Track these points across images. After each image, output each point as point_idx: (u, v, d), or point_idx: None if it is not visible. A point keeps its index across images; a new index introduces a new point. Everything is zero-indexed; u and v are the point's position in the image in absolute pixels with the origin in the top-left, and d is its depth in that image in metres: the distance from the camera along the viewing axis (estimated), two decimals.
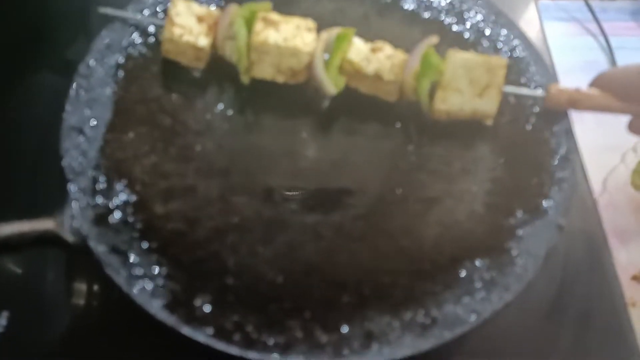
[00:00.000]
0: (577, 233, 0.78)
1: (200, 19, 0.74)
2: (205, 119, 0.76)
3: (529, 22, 1.03)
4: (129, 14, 0.78)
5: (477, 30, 0.82)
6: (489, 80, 0.71)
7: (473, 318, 0.60)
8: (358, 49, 0.74)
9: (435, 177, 0.73)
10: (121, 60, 0.77)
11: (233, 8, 0.74)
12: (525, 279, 0.63)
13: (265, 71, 0.74)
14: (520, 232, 0.66)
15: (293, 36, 0.72)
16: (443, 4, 0.85)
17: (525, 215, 0.68)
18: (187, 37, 0.73)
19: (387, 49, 0.74)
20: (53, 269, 0.75)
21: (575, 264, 0.76)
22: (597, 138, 0.99)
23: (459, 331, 0.59)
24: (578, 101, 0.71)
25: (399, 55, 0.74)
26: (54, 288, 0.74)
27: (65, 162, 0.67)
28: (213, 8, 0.76)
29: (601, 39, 1.19)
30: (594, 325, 0.72)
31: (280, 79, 0.75)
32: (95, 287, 0.73)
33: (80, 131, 0.71)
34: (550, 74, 0.78)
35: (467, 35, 0.82)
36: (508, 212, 0.68)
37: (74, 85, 0.73)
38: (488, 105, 0.72)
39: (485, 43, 0.81)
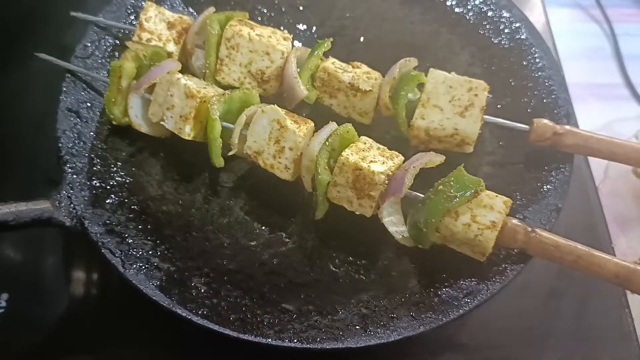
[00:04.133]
0: (578, 219, 0.77)
1: (170, 25, 0.73)
2: None
3: (532, 7, 1.02)
4: (100, 19, 0.76)
5: (479, 12, 0.80)
6: (470, 101, 0.67)
7: (468, 301, 0.60)
8: (335, 62, 0.71)
9: None
10: (117, 42, 0.76)
11: (208, 12, 0.72)
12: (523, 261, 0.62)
13: (233, 74, 0.71)
14: (519, 215, 0.66)
15: (268, 36, 0.70)
16: None
17: (524, 198, 0.67)
18: (155, 43, 0.71)
19: (365, 67, 0.71)
20: (51, 252, 0.75)
21: None
22: (599, 124, 0.98)
23: (455, 313, 0.59)
24: (563, 137, 0.66)
25: (376, 73, 0.71)
26: (51, 271, 0.75)
27: (61, 144, 0.67)
28: (186, 17, 0.75)
29: (605, 25, 1.18)
30: (592, 309, 0.71)
31: (248, 85, 0.71)
32: (92, 270, 0.73)
33: (76, 113, 0.70)
34: (553, 59, 0.77)
35: (468, 17, 0.81)
36: (507, 196, 0.67)
37: (71, 66, 0.72)
38: (469, 127, 0.66)
39: (487, 25, 0.79)
